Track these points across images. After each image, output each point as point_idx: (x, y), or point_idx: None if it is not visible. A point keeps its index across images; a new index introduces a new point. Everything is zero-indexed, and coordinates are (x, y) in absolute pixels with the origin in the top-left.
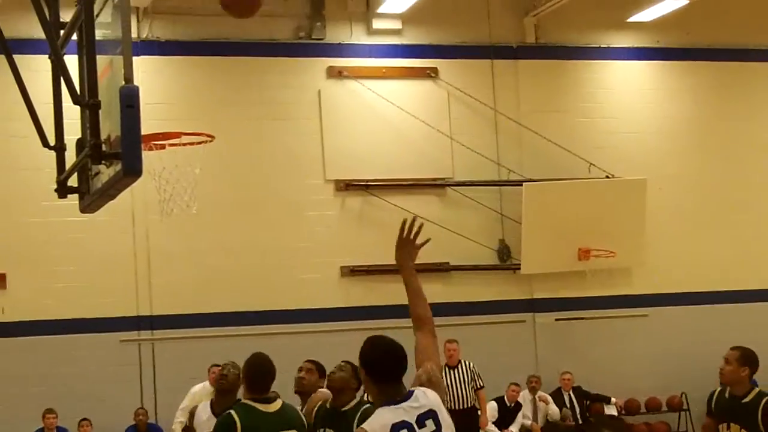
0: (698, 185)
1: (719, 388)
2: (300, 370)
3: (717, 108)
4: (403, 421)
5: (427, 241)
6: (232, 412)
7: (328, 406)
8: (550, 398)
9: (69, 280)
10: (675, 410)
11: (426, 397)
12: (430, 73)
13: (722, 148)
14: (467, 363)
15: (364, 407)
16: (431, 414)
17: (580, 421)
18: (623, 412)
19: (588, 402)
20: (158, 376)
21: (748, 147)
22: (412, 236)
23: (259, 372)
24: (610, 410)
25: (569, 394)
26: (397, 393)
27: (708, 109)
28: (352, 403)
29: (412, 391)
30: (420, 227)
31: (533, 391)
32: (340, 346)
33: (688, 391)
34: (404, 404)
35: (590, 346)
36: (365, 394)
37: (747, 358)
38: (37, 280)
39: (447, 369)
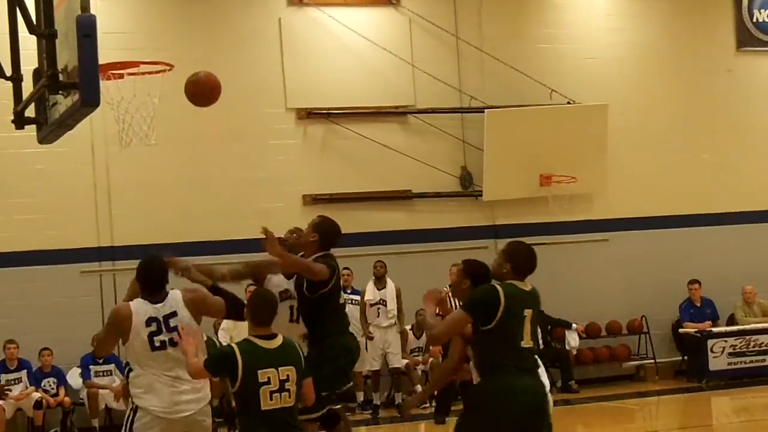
0: (659, 110)
1: None
2: None
3: (677, 33)
4: None
5: None
6: (234, 345)
7: None
8: None
9: (28, 211)
10: (635, 333)
11: None
12: (392, 0)
13: (682, 73)
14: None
15: None
16: None
17: (542, 346)
18: (584, 336)
19: (550, 326)
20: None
21: (708, 72)
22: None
23: (261, 307)
24: (572, 335)
25: None
26: None
27: (668, 34)
28: None
29: None
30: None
31: None
32: None
33: (648, 314)
34: None
35: (552, 271)
36: None
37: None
38: None
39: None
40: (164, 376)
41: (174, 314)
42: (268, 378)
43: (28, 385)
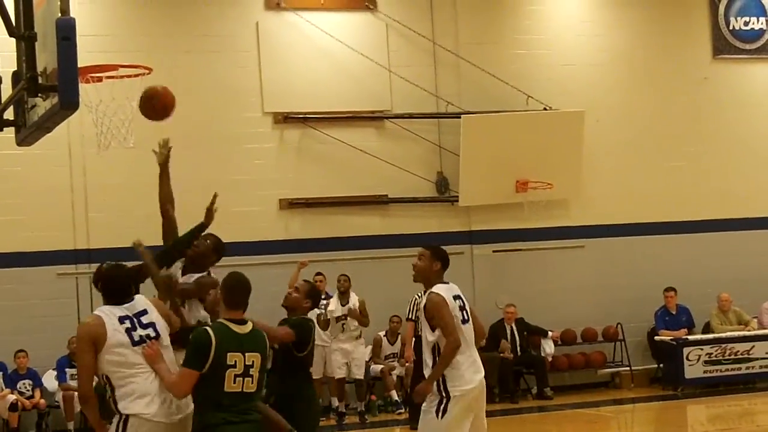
0: (635, 117)
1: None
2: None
3: (654, 40)
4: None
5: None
6: (209, 329)
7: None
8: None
9: (5, 213)
10: (610, 340)
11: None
12: (369, 5)
13: (659, 80)
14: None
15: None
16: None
17: (519, 353)
18: (559, 342)
19: (526, 333)
20: (95, 309)
21: (684, 79)
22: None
23: (237, 290)
24: (547, 342)
25: (511, 327)
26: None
27: (644, 41)
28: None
29: None
30: None
31: None
32: (280, 278)
33: (623, 321)
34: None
35: (527, 278)
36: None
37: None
38: None
39: None
40: (153, 376)
41: (145, 312)
42: (235, 361)
43: (3, 387)
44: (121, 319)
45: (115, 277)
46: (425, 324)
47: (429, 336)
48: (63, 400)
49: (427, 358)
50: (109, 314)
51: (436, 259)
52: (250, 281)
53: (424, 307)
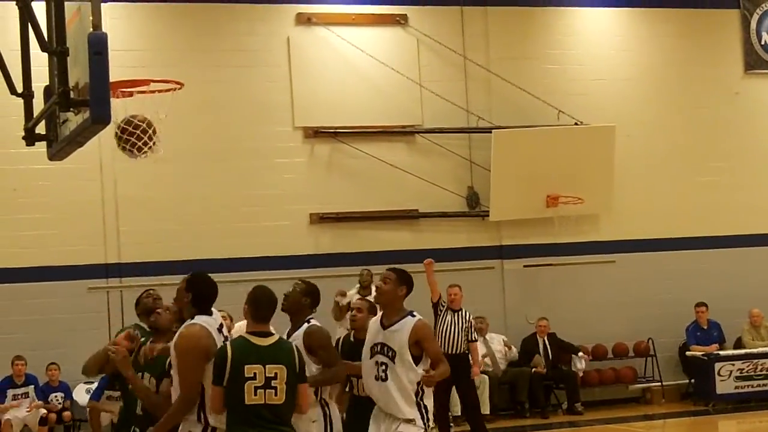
0: (666, 132)
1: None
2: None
3: (685, 55)
4: None
5: None
6: (227, 344)
7: (352, 339)
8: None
9: (37, 228)
10: (642, 356)
11: None
12: (400, 20)
13: (689, 95)
14: (467, 313)
15: None
16: None
17: (550, 368)
18: (591, 358)
19: (558, 348)
20: (127, 323)
21: (715, 94)
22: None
23: (263, 304)
24: (578, 359)
25: (544, 341)
26: None
27: (676, 56)
28: None
29: None
30: None
31: (480, 332)
32: None
33: (654, 336)
34: None
35: (558, 292)
36: None
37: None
38: (4, 228)
39: (451, 312)
40: None
41: (222, 325)
42: (254, 374)
43: (35, 399)
44: (219, 330)
45: (211, 284)
46: (406, 357)
47: (412, 371)
48: (89, 415)
49: (409, 392)
50: (210, 325)
51: (401, 283)
52: (275, 295)
53: (412, 331)
